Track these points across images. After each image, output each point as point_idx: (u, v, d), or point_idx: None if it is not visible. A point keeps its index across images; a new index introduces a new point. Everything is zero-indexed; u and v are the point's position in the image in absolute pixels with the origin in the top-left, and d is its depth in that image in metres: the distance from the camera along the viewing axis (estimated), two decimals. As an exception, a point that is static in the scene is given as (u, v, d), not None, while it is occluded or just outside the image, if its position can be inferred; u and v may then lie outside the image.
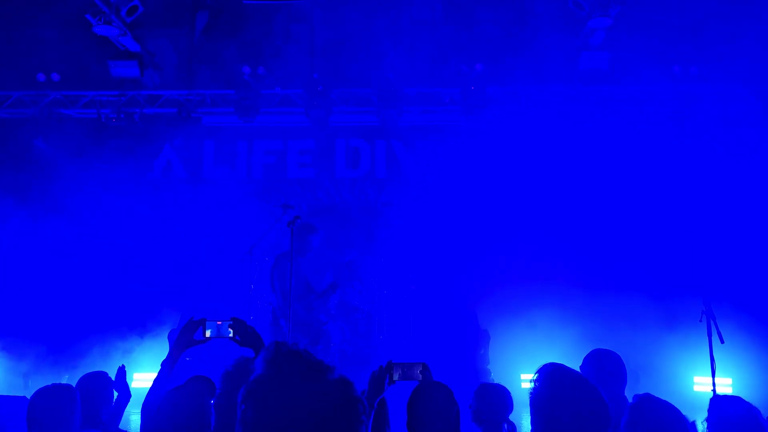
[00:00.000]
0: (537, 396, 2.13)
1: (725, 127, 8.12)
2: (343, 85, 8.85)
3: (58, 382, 3.18)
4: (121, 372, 3.73)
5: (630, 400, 2.54)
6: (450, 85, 8.74)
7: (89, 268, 8.25)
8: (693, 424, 2.43)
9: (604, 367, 3.46)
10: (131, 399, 4.39)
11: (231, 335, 2.80)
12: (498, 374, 7.11)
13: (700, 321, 5.16)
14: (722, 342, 5.06)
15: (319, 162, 9.23)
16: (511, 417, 3.63)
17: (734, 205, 7.94)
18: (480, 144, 8.67)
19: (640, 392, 2.52)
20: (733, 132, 8.12)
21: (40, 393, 3.01)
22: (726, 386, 7.10)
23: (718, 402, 3.02)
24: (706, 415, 2.93)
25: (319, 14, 9.47)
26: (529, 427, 2.17)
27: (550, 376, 2.15)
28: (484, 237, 8.30)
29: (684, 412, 2.44)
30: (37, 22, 8.66)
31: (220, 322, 2.81)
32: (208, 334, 2.82)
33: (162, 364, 2.83)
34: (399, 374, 3.02)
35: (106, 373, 3.75)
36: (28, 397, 4.19)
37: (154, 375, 3.44)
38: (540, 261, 7.98)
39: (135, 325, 7.80)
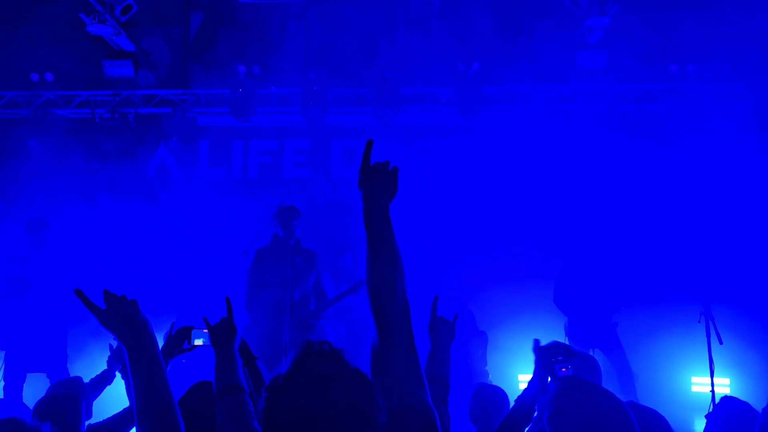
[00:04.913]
0: (554, 412, 1.97)
1: (724, 126, 8.07)
2: (339, 84, 8.80)
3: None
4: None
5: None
6: (446, 85, 8.69)
7: (82, 270, 8.17)
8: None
9: (581, 371, 3.42)
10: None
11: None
12: (495, 375, 7.05)
13: (699, 322, 5.14)
14: (721, 343, 5.04)
15: (315, 161, 9.18)
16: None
17: (733, 206, 7.89)
18: (477, 143, 8.62)
19: (640, 392, 2.46)
20: (731, 131, 8.07)
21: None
22: (724, 386, 7.06)
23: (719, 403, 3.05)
24: (704, 414, 2.93)
25: (315, 13, 9.44)
26: None
27: (568, 390, 2.01)
28: (481, 237, 8.25)
29: (682, 412, 2.37)
30: (30, 21, 8.60)
31: (206, 330, 2.75)
32: (200, 342, 2.75)
33: None
34: None
35: (80, 378, 3.61)
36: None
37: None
38: (538, 261, 7.92)
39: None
